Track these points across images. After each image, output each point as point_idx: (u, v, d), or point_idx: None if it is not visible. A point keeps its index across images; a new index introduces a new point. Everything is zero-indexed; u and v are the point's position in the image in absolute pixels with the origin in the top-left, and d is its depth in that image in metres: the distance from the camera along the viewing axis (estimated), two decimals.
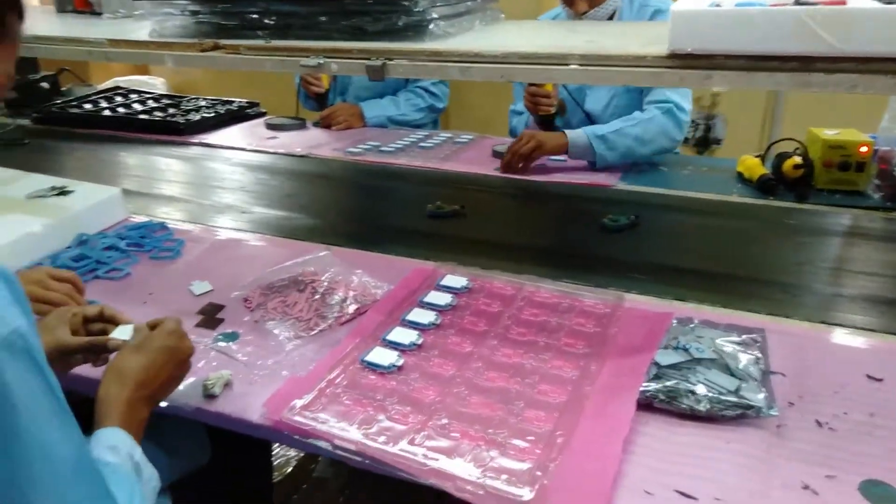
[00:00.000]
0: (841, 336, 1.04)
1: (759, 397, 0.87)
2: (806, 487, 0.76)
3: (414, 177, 1.81)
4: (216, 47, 1.28)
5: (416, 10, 1.13)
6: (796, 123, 2.65)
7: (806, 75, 0.89)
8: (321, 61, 1.17)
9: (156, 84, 3.86)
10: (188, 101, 2.50)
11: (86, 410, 0.75)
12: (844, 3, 0.84)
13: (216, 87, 3.94)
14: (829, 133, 1.54)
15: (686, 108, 1.76)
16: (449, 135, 2.13)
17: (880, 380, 0.93)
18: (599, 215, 1.46)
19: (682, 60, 0.96)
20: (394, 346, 1.01)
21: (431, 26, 1.14)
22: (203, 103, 2.46)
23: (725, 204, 1.55)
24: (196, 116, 2.28)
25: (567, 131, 1.77)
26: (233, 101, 2.48)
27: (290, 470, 1.79)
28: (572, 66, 1.04)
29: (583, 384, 0.92)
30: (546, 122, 1.88)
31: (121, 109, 2.39)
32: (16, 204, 1.43)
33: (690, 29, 0.93)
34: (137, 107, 2.42)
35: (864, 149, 1.50)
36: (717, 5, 0.92)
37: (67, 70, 2.76)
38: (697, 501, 0.74)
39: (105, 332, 0.92)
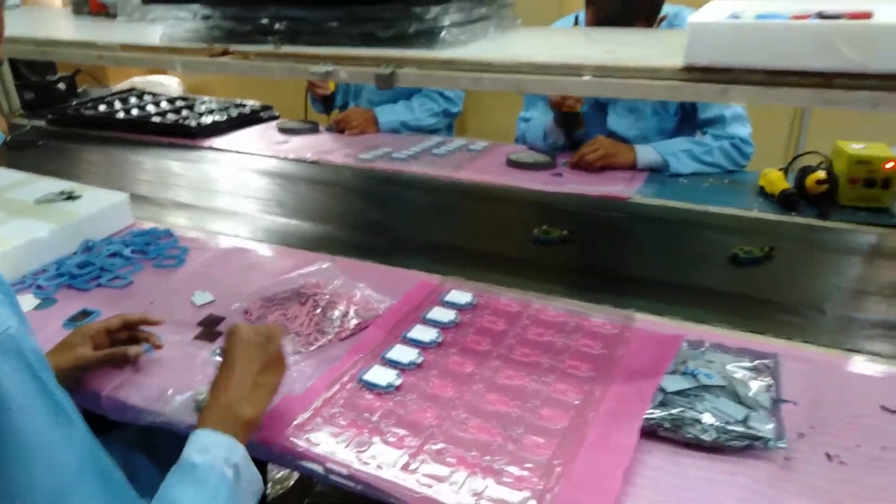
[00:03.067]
0: (859, 364, 0.99)
1: (767, 427, 0.84)
2: None
3: (424, 185, 1.78)
4: (225, 52, 1.27)
5: (428, 16, 1.10)
6: (825, 135, 2.57)
7: (827, 92, 0.85)
8: (330, 69, 1.15)
9: (171, 84, 3.87)
10: (201, 103, 2.49)
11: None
12: (869, 18, 0.81)
13: (230, 87, 3.95)
14: (856, 147, 1.48)
15: (750, 141, 1.77)
16: (463, 142, 2.09)
17: (895, 412, 0.89)
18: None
19: (699, 74, 0.93)
20: (393, 364, 0.98)
21: (443, 34, 1.11)
22: (216, 106, 2.45)
23: (742, 219, 1.50)
24: (208, 119, 2.27)
25: (637, 147, 1.79)
26: (245, 105, 2.46)
27: (291, 484, 1.77)
28: (586, 78, 1.00)
29: (586, 410, 0.88)
30: (568, 122, 1.84)
31: (135, 111, 2.39)
32: (24, 208, 1.44)
33: (707, 42, 0.90)
34: (151, 108, 2.42)
35: (889, 164, 1.44)
36: (737, 17, 0.88)
37: (83, 71, 2.78)
38: None
39: (133, 340, 0.99)
